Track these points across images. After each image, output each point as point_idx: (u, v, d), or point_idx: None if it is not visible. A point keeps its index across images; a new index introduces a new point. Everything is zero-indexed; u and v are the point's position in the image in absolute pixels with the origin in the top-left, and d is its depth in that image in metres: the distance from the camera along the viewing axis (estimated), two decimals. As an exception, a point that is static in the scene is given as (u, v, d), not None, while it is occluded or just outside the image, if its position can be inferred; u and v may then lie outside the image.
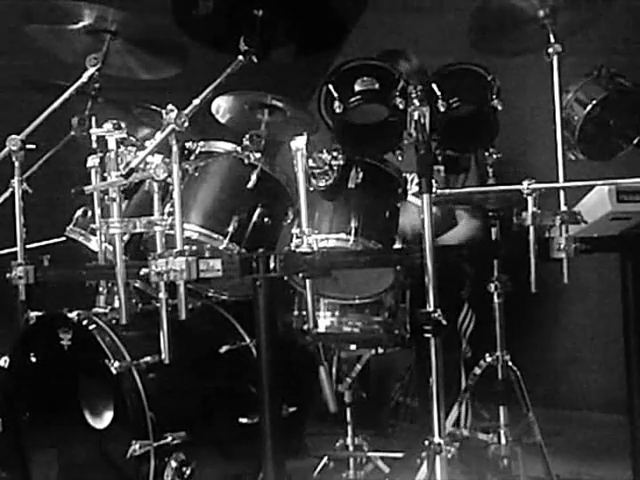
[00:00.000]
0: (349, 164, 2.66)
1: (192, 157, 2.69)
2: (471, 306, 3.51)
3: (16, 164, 2.64)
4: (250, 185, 2.63)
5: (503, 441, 3.05)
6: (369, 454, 3.31)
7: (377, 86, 2.63)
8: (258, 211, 2.64)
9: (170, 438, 2.47)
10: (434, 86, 2.65)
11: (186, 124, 2.22)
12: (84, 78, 2.70)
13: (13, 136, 2.62)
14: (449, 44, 3.41)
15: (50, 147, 2.97)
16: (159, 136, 2.23)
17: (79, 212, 2.90)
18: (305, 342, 2.98)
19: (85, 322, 2.63)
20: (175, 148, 2.21)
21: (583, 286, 3.86)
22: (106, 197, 2.35)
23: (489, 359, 3.04)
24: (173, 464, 2.47)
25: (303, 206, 2.39)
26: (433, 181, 2.25)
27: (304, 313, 2.91)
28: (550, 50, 2.57)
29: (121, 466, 2.52)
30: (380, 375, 3.98)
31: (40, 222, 2.75)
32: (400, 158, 2.69)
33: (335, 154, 2.62)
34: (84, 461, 2.69)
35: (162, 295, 2.22)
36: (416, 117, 2.28)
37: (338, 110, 2.60)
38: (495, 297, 3.05)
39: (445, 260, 2.24)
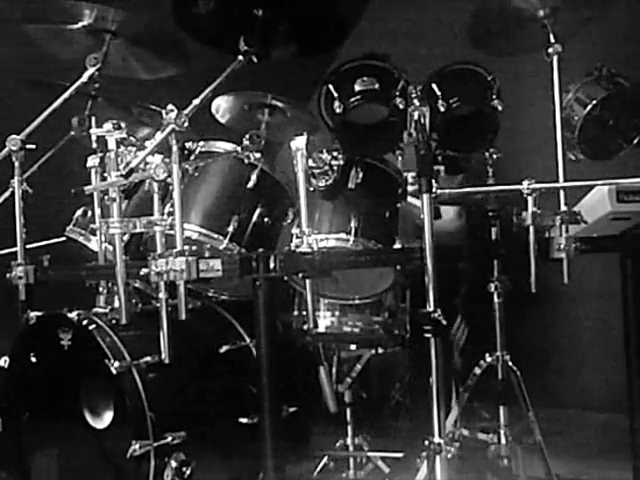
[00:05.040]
0: (349, 164, 2.67)
1: (192, 157, 2.69)
2: (464, 318, 3.52)
3: (16, 164, 2.64)
4: (250, 185, 2.63)
5: (503, 441, 3.06)
6: (369, 454, 3.31)
7: (377, 86, 2.63)
8: (258, 211, 2.64)
9: (170, 438, 2.47)
10: (434, 86, 2.65)
11: (186, 124, 2.22)
12: (84, 78, 2.70)
13: (13, 136, 2.62)
14: (449, 44, 3.41)
15: (50, 147, 2.97)
16: (159, 136, 2.23)
17: (79, 212, 2.90)
18: (305, 342, 2.98)
19: (85, 322, 2.62)
20: (175, 148, 2.21)
21: (583, 286, 3.86)
22: (106, 197, 2.35)
23: (489, 359, 3.05)
24: (173, 464, 2.47)
25: (303, 206, 2.38)
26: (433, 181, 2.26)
27: (304, 313, 2.91)
28: (550, 50, 2.57)
29: (121, 466, 2.52)
30: (380, 375, 3.98)
31: (40, 222, 2.75)
32: (400, 158, 2.69)
33: (335, 154, 2.62)
34: (84, 461, 2.68)
35: (162, 295, 2.22)
36: (416, 117, 2.28)
37: (338, 110, 2.60)
38: (495, 297, 3.06)
39: (442, 267, 2.24)
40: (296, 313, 3.03)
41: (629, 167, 2.63)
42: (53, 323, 2.71)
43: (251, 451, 2.45)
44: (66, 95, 2.67)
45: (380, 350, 3.16)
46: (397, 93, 2.60)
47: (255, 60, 2.65)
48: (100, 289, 2.82)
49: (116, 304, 2.74)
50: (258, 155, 2.64)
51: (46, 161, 2.94)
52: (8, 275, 2.71)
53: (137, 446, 2.42)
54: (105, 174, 2.28)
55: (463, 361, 3.43)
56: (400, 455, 3.27)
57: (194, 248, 2.21)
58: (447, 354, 3.36)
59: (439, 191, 2.30)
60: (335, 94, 2.62)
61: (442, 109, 2.61)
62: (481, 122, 2.72)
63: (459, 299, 3.59)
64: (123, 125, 2.26)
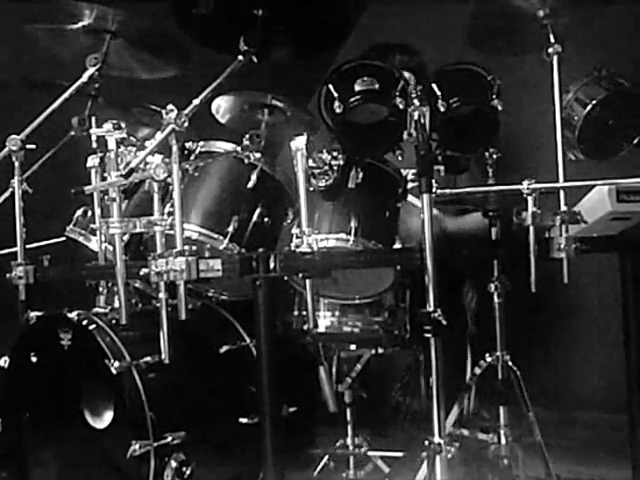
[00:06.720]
0: (349, 164, 2.66)
1: (192, 157, 2.69)
2: (472, 283, 3.52)
3: (16, 164, 2.64)
4: (250, 185, 2.63)
5: (503, 441, 3.05)
6: (369, 454, 3.31)
7: (377, 86, 2.62)
8: (258, 211, 2.64)
9: (170, 438, 2.47)
10: (434, 86, 2.65)
11: (186, 124, 2.22)
12: (84, 78, 2.70)
13: (13, 136, 2.62)
14: (449, 44, 3.41)
15: (50, 147, 2.97)
16: (159, 136, 2.23)
17: (79, 212, 2.90)
18: (305, 342, 2.98)
19: (85, 322, 2.63)
20: (175, 148, 2.21)
21: (583, 286, 3.86)
22: (106, 197, 2.35)
23: (489, 359, 3.04)
24: (173, 464, 2.47)
25: (303, 206, 2.39)
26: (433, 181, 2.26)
27: (304, 313, 2.91)
28: (550, 50, 2.57)
29: (121, 466, 2.52)
30: (380, 375, 3.98)
31: (40, 222, 2.75)
32: (400, 158, 2.69)
33: (335, 154, 2.62)
34: (84, 461, 2.68)
35: (162, 295, 2.23)
36: (416, 117, 2.28)
37: (338, 110, 2.60)
38: (495, 297, 3.05)
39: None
40: (296, 313, 3.03)
41: (629, 167, 2.63)
42: (53, 323, 2.71)
43: (251, 451, 2.45)
44: (66, 95, 2.68)
45: (380, 350, 3.16)
46: (397, 93, 2.59)
47: (255, 60, 2.65)
48: (100, 289, 2.83)
49: (116, 304, 2.75)
50: (258, 155, 2.64)
51: (46, 161, 2.94)
52: (8, 275, 2.71)
53: (137, 446, 2.43)
54: (105, 174, 2.28)
55: (477, 329, 3.44)
56: (400, 455, 3.28)
57: (194, 248, 2.21)
58: (463, 322, 3.39)
59: (439, 191, 2.30)
60: (335, 94, 2.62)
61: (442, 109, 2.61)
62: (481, 122, 2.72)
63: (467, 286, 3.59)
64: (123, 125, 2.27)
